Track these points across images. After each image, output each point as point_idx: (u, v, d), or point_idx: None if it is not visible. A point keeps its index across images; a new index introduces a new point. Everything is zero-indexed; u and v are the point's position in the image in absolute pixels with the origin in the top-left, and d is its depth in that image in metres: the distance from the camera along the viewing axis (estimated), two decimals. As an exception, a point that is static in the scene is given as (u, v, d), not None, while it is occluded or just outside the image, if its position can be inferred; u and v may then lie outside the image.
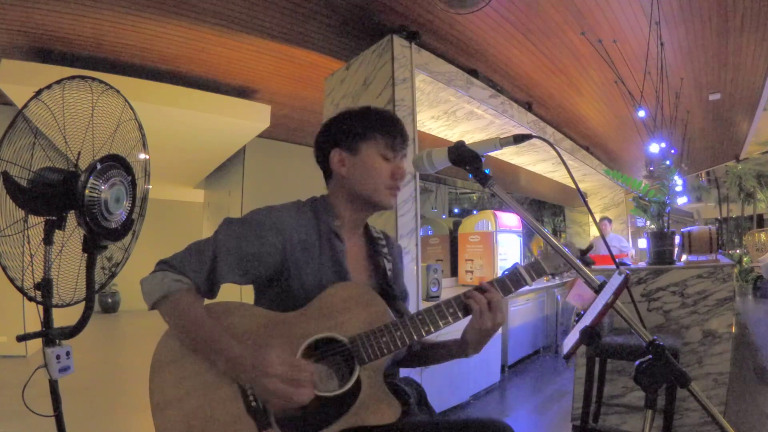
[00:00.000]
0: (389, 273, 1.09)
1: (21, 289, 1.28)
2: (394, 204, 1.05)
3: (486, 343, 0.95)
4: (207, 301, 0.92)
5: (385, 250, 1.12)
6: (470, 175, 0.85)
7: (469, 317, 0.93)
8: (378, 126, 1.03)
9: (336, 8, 3.00)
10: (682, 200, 5.11)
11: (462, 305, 0.92)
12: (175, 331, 0.89)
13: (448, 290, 3.89)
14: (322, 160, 1.07)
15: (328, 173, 1.08)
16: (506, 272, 0.95)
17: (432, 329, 0.90)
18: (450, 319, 0.91)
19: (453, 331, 0.98)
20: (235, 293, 1.20)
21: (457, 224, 5.24)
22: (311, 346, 0.89)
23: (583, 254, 0.94)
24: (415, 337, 0.89)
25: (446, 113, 3.99)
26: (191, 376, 0.86)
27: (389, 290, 1.05)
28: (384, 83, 2.89)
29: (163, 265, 0.90)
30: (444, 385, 2.91)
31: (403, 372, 1.12)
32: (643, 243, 7.27)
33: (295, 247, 0.95)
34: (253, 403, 0.84)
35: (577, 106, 5.05)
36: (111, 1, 2.84)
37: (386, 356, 0.88)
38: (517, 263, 0.97)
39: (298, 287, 0.94)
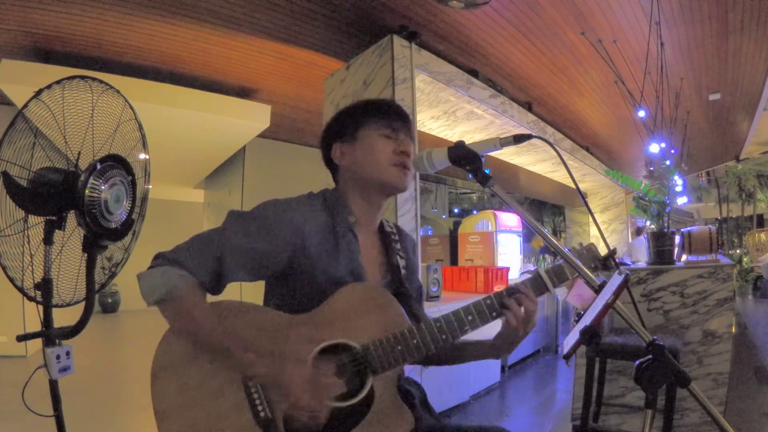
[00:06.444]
0: (403, 271, 1.05)
1: (21, 289, 1.28)
2: (405, 183, 0.99)
3: (518, 345, 0.94)
4: (212, 298, 0.88)
5: (398, 245, 1.08)
6: (470, 175, 0.83)
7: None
8: (372, 111, 1.01)
9: (336, 8, 3.00)
10: (682, 200, 5.12)
11: (482, 310, 0.89)
12: (181, 330, 0.85)
13: (448, 291, 3.89)
14: (328, 160, 1.06)
15: (335, 171, 1.06)
16: (530, 275, 0.93)
17: (450, 338, 0.87)
18: (468, 326, 0.88)
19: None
20: (235, 290, 1.20)
21: (457, 224, 5.24)
22: (322, 352, 0.85)
23: (606, 260, 0.90)
24: (432, 347, 0.85)
25: (446, 113, 3.99)
26: (195, 383, 0.82)
27: (404, 290, 1.02)
28: (384, 83, 2.89)
29: (164, 259, 0.84)
30: (444, 385, 2.91)
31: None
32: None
33: (308, 245, 0.90)
34: (262, 414, 0.81)
35: (577, 106, 5.04)
36: (111, 1, 2.84)
37: (400, 366, 0.85)
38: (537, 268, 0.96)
39: (311, 286, 0.91)
